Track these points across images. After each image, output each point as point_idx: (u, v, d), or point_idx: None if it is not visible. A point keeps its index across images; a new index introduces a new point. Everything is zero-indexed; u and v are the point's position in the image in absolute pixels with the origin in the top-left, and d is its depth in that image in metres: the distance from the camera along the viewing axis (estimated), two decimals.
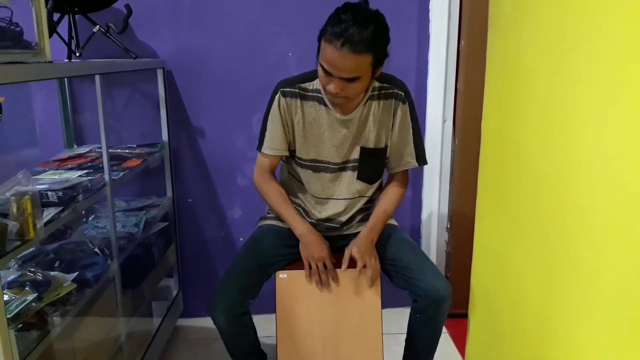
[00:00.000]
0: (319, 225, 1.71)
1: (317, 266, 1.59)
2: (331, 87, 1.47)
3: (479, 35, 1.67)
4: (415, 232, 2.37)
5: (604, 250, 0.93)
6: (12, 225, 1.07)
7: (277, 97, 1.60)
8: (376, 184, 1.74)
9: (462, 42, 2.13)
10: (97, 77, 1.53)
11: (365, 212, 1.74)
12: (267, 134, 1.64)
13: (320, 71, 1.49)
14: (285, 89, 1.60)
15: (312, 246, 1.60)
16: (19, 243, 1.07)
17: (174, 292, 2.21)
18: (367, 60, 1.43)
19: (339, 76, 1.44)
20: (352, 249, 1.60)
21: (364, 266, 1.59)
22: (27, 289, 1.24)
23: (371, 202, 1.75)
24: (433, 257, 2.32)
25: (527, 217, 1.22)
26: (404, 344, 1.77)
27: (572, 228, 1.02)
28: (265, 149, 1.65)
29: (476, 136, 1.55)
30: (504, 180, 1.37)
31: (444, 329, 2.16)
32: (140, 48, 2.09)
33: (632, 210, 0.85)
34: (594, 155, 0.94)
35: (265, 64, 2.14)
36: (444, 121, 2.22)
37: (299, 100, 1.60)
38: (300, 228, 1.63)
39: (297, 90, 1.60)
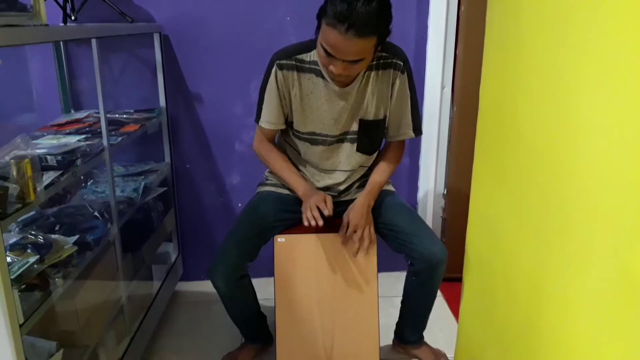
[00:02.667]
0: None
1: (311, 207, 1.56)
2: (333, 69, 1.44)
3: (479, 0, 1.65)
4: (412, 198, 2.39)
5: (596, 216, 0.94)
6: (13, 188, 1.08)
7: (273, 70, 1.57)
8: (375, 154, 1.74)
9: (462, 8, 2.11)
10: (93, 41, 1.51)
11: (364, 178, 1.75)
12: (264, 107, 1.62)
13: (320, 51, 1.44)
14: (281, 62, 1.56)
15: (311, 198, 1.60)
16: (19, 205, 1.09)
17: (174, 257, 2.25)
18: (372, 42, 1.39)
19: (343, 59, 1.40)
20: (349, 215, 1.62)
21: (361, 235, 1.60)
22: (28, 251, 1.26)
23: (370, 170, 1.76)
24: (429, 223, 2.35)
25: (522, 185, 1.24)
26: (399, 306, 1.82)
27: (566, 195, 1.04)
28: (263, 123, 1.65)
29: (475, 103, 1.55)
30: (500, 148, 1.37)
31: (440, 292, 2.21)
32: (137, 12, 2.06)
33: (623, 178, 0.87)
34: (590, 125, 0.95)
35: (263, 29, 2.12)
36: (442, 88, 2.21)
37: (295, 73, 1.57)
38: (303, 189, 1.64)
39: (294, 62, 1.56)
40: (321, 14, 1.39)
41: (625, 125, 0.86)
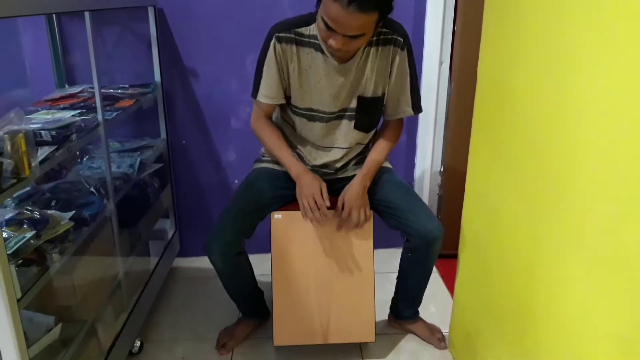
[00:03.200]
0: (314, 171, 1.70)
1: (309, 204, 1.57)
2: (332, 43, 1.41)
3: None
4: (409, 175, 2.39)
5: (590, 194, 0.95)
6: (7, 163, 1.07)
7: (272, 42, 1.54)
8: (373, 132, 1.73)
9: None
10: (86, 14, 1.49)
11: (361, 155, 1.74)
12: (262, 81, 1.59)
13: (320, 24, 1.41)
14: (280, 34, 1.53)
15: (305, 186, 1.60)
16: (14, 181, 1.08)
17: (170, 233, 2.25)
18: (374, 17, 1.37)
19: (343, 33, 1.38)
20: (345, 196, 1.62)
21: (356, 216, 1.61)
22: (25, 226, 1.26)
23: (367, 147, 1.75)
24: (426, 200, 2.35)
25: (518, 161, 1.24)
26: (395, 282, 1.83)
27: (561, 172, 1.04)
28: (260, 97, 1.61)
29: (473, 80, 1.53)
30: (498, 126, 1.37)
31: (435, 269, 2.23)
32: None
33: (617, 157, 0.87)
34: (587, 102, 0.95)
35: (259, 3, 2.08)
36: (440, 63, 2.19)
37: (294, 46, 1.54)
38: (296, 170, 1.63)
39: (293, 36, 1.53)
40: None
41: (620, 105, 0.86)
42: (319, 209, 1.57)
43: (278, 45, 1.53)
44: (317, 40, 1.52)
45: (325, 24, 1.38)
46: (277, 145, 1.67)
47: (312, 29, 1.53)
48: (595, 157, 0.93)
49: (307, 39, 1.54)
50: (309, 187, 1.58)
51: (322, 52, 1.53)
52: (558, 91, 1.04)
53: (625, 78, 0.84)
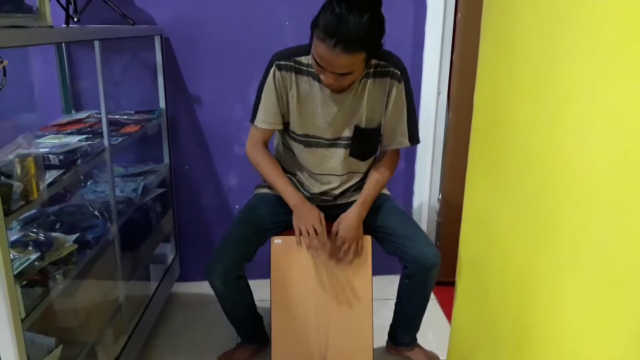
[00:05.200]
0: (313, 199, 1.73)
1: (308, 231, 1.60)
2: (323, 78, 1.48)
3: (476, 7, 1.68)
4: (408, 202, 2.42)
5: (583, 215, 0.98)
6: (17, 185, 1.11)
7: (272, 69, 1.58)
8: (370, 160, 1.75)
9: (459, 15, 2.14)
10: (96, 43, 1.54)
11: (360, 182, 1.76)
12: (260, 107, 1.63)
13: (312, 60, 1.47)
14: (280, 62, 1.58)
15: (304, 215, 1.62)
16: (23, 203, 1.11)
17: (171, 257, 2.27)
18: (361, 57, 1.42)
19: (332, 71, 1.44)
20: (340, 226, 1.65)
21: (347, 248, 1.64)
22: (30, 248, 1.28)
23: (366, 174, 1.77)
24: (424, 227, 2.38)
25: (513, 187, 1.27)
26: (393, 308, 1.84)
27: (555, 196, 1.07)
28: (258, 123, 1.64)
29: (469, 109, 1.57)
30: (493, 149, 1.40)
31: (433, 296, 2.24)
32: (138, 14, 2.09)
33: (608, 178, 0.90)
34: (578, 131, 0.98)
35: (262, 32, 2.15)
36: (438, 94, 2.24)
37: (293, 74, 1.59)
38: (293, 199, 1.65)
39: (293, 64, 1.58)
40: (314, 24, 1.42)
41: (612, 133, 0.89)
42: (317, 238, 1.60)
43: (278, 73, 1.58)
44: None
45: (316, 61, 1.44)
46: (273, 173, 1.68)
47: (310, 58, 1.57)
48: (588, 183, 0.96)
49: (305, 68, 1.58)
50: (308, 216, 1.62)
51: (319, 81, 1.57)
52: (550, 119, 1.08)
53: (619, 108, 0.88)
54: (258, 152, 1.69)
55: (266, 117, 1.63)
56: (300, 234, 1.62)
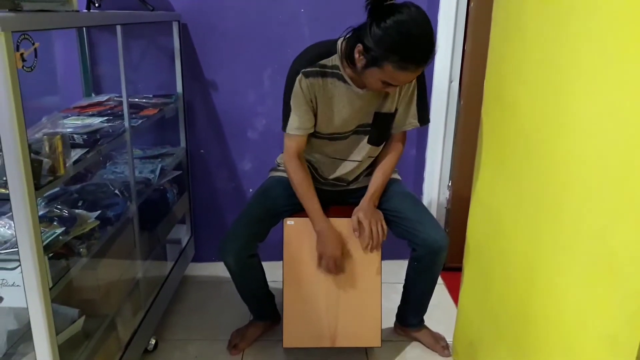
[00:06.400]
0: (326, 183, 1.78)
1: (329, 265, 1.68)
2: (389, 90, 1.55)
3: None
4: (418, 188, 2.46)
5: (584, 202, 1.01)
6: (45, 162, 1.17)
7: (298, 78, 1.57)
8: (382, 145, 1.79)
9: (472, 4, 2.16)
10: (118, 27, 1.59)
11: (371, 167, 1.80)
12: (292, 115, 1.61)
13: (377, 84, 1.48)
14: (307, 69, 1.57)
15: (328, 244, 1.67)
16: (51, 178, 1.17)
17: (186, 238, 2.33)
18: None
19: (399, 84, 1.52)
20: (359, 215, 1.69)
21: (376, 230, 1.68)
22: (55, 223, 1.35)
23: (376, 159, 1.80)
24: (434, 213, 2.41)
25: (519, 174, 1.30)
26: (401, 292, 1.89)
27: (558, 183, 1.10)
28: (292, 131, 1.63)
29: (480, 97, 1.60)
30: (501, 138, 1.44)
31: (441, 281, 2.29)
32: (156, 1, 2.13)
33: (608, 168, 0.93)
34: (582, 121, 1.02)
35: (277, 19, 2.18)
36: (450, 82, 2.27)
37: (320, 79, 1.58)
38: (320, 225, 1.68)
39: (318, 69, 1.58)
40: (385, 56, 1.39)
41: (615, 121, 0.93)
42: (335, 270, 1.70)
43: (305, 80, 1.57)
44: (339, 70, 1.58)
45: (387, 82, 1.47)
46: (305, 193, 1.69)
47: (333, 60, 1.58)
48: (588, 170, 1.00)
49: (330, 70, 1.59)
50: (332, 247, 1.68)
51: (344, 81, 1.59)
52: (555, 107, 1.12)
53: (621, 94, 0.91)
54: (294, 167, 1.68)
55: (301, 124, 1.62)
56: (321, 258, 1.70)
